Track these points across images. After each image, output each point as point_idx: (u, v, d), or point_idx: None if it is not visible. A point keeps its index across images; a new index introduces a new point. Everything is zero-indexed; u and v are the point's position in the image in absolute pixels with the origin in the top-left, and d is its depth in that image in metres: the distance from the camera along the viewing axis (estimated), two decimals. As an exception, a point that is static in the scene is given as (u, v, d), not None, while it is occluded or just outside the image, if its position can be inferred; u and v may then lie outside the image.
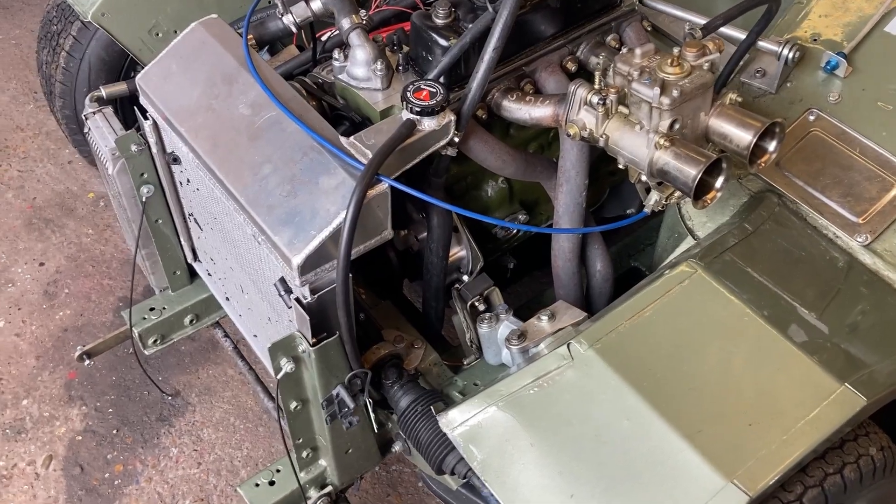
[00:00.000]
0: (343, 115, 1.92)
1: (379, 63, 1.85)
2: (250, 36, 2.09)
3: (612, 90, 1.62)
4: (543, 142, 2.14)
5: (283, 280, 1.71)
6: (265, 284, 1.88)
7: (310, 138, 1.72)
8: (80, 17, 2.59)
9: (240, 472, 2.66)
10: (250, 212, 1.71)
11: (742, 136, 1.60)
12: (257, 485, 2.08)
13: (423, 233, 2.00)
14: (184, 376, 2.90)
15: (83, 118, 2.20)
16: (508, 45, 1.70)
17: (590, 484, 1.43)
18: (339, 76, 1.91)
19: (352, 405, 1.77)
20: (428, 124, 1.69)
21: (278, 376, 1.73)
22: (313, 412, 1.88)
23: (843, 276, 1.68)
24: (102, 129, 2.12)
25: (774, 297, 1.61)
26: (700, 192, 1.58)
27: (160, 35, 2.54)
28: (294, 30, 2.07)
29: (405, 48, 1.94)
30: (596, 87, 1.65)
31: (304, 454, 1.98)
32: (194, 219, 2.17)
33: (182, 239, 2.29)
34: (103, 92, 2.24)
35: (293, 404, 1.83)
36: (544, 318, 1.73)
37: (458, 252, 2.02)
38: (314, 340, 1.69)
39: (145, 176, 2.11)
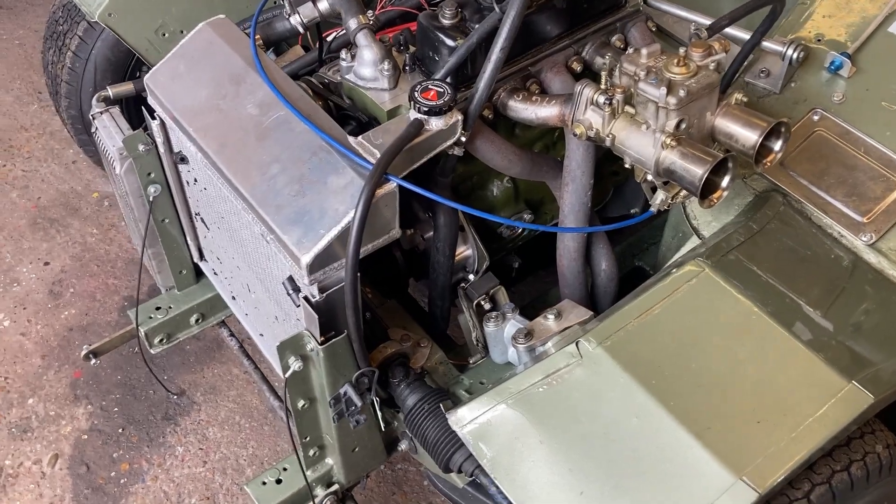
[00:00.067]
0: (349, 115, 1.93)
1: (386, 63, 1.86)
2: (257, 36, 2.10)
3: (619, 90, 1.63)
4: (548, 141, 2.15)
5: (291, 279, 1.72)
6: (272, 283, 1.89)
7: (318, 138, 1.73)
8: (87, 18, 2.60)
9: (245, 471, 2.67)
10: (259, 211, 1.72)
11: (748, 136, 1.61)
12: (264, 483, 2.08)
13: (429, 232, 2.01)
14: (189, 375, 2.91)
15: (90, 118, 2.21)
16: (514, 46, 1.70)
17: (599, 481, 1.44)
18: (347, 76, 1.92)
19: (359, 404, 1.78)
20: (435, 124, 1.70)
21: (286, 375, 1.74)
22: (320, 411, 1.88)
23: (848, 275, 1.69)
24: (110, 129, 2.13)
25: (780, 295, 1.62)
26: (706, 191, 1.59)
27: (167, 35, 2.55)
28: (301, 30, 2.08)
29: (412, 48, 1.94)
30: (602, 86, 1.65)
31: (311, 452, 1.99)
32: (201, 218, 2.18)
33: (188, 238, 2.30)
34: (110, 92, 2.25)
35: (301, 403, 1.83)
36: (551, 316, 1.73)
37: (464, 251, 2.03)
38: (322, 339, 1.70)
39: (152, 175, 2.11)
